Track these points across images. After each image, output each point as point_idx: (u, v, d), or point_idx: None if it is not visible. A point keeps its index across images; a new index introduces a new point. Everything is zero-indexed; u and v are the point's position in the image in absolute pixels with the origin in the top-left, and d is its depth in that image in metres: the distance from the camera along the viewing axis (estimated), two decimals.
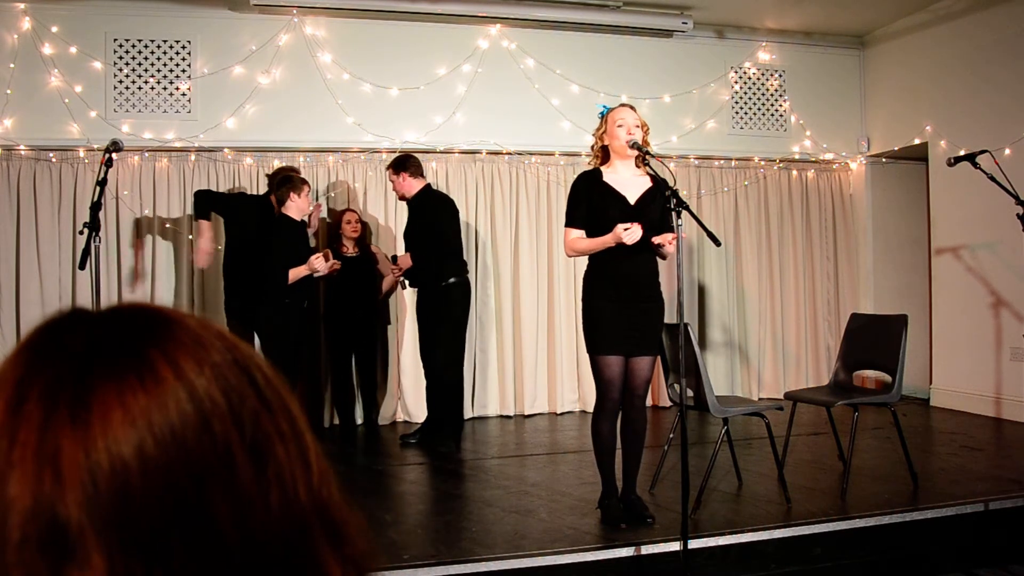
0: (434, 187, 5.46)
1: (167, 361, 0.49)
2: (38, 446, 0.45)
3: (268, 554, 0.49)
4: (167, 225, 5.61)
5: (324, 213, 5.82)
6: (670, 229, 3.25)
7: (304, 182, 4.96)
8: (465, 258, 5.29)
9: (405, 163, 5.06)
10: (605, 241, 3.29)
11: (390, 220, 5.97)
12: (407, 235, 5.17)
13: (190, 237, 5.51)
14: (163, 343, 0.50)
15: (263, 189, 5.66)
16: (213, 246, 5.22)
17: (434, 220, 4.98)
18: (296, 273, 4.76)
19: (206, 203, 5.17)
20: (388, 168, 5.17)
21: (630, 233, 3.20)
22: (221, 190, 5.65)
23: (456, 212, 5.13)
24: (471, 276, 5.98)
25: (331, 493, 0.53)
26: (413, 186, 5.05)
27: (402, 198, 5.14)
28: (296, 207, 4.86)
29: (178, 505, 0.46)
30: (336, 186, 5.92)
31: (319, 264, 4.81)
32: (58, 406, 0.46)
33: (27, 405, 0.47)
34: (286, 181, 4.89)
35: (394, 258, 5.37)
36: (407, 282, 5.32)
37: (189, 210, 5.60)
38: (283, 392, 0.54)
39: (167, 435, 0.47)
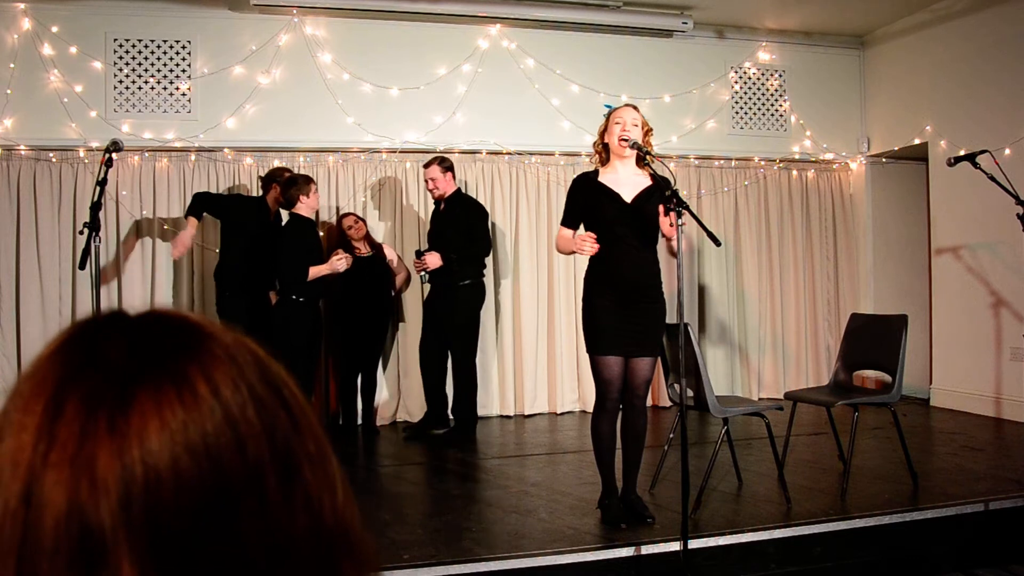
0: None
1: (204, 377, 0.50)
2: (76, 452, 0.46)
3: (294, 574, 0.50)
4: (165, 226, 5.60)
5: (326, 216, 5.82)
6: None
7: (309, 180, 5.06)
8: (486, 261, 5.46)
9: (451, 164, 5.33)
10: (573, 243, 3.40)
11: (401, 219, 5.97)
12: (436, 234, 5.31)
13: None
14: (200, 358, 0.51)
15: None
16: (192, 243, 5.20)
17: (475, 222, 5.25)
18: (317, 271, 4.83)
19: (201, 204, 5.19)
20: (434, 164, 5.25)
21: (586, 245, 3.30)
22: (221, 190, 5.65)
23: (487, 216, 5.42)
24: None
25: (354, 515, 0.54)
26: (452, 186, 5.32)
27: (439, 197, 5.30)
28: (307, 206, 4.97)
29: (207, 520, 0.47)
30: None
31: (341, 265, 4.90)
32: (97, 415, 0.47)
33: (66, 411, 0.47)
34: (292, 183, 4.99)
35: (418, 252, 5.29)
36: (428, 278, 5.34)
37: None
38: (309, 411, 0.55)
39: (201, 451, 0.48)
